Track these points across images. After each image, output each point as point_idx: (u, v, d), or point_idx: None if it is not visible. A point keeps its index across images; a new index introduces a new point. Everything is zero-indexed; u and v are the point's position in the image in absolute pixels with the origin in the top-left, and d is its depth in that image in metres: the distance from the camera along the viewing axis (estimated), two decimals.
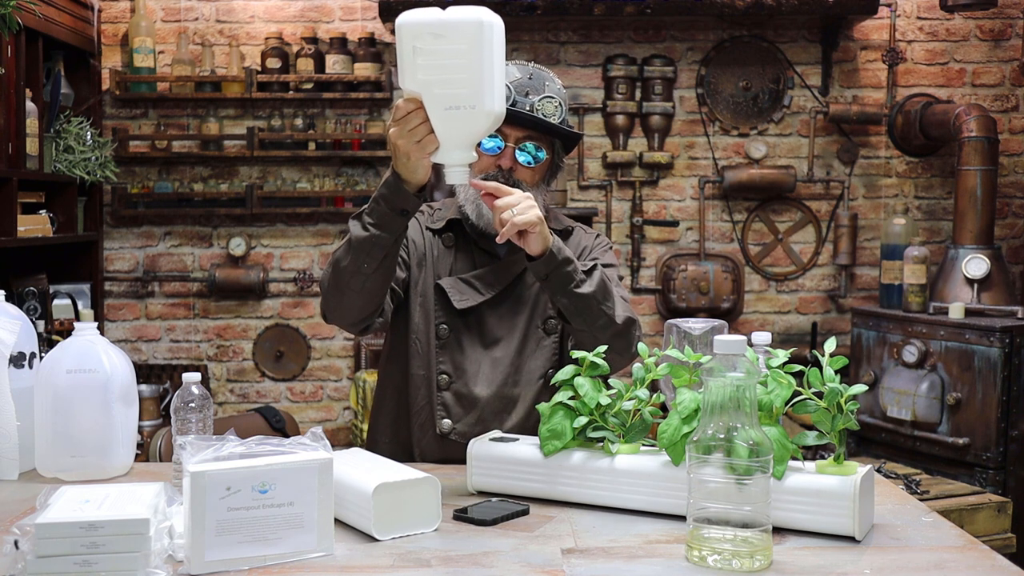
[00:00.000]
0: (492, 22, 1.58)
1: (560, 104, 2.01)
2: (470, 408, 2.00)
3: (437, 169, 1.74)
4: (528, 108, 1.98)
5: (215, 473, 1.30)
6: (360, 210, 1.80)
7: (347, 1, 4.23)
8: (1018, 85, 4.28)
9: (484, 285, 2.02)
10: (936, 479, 3.38)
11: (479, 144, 1.93)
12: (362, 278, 1.81)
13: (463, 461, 1.69)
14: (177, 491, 1.46)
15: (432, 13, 1.58)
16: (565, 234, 2.11)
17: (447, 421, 2.00)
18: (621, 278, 2.11)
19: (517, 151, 1.99)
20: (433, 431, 2.00)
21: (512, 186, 1.94)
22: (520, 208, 1.75)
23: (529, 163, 1.99)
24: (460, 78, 1.57)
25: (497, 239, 1.79)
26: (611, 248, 2.15)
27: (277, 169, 4.24)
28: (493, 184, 1.81)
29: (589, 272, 1.86)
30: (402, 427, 2.05)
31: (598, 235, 2.16)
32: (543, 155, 2.01)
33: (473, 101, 1.58)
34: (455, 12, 1.58)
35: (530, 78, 2.01)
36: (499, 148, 1.98)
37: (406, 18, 1.58)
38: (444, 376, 2.01)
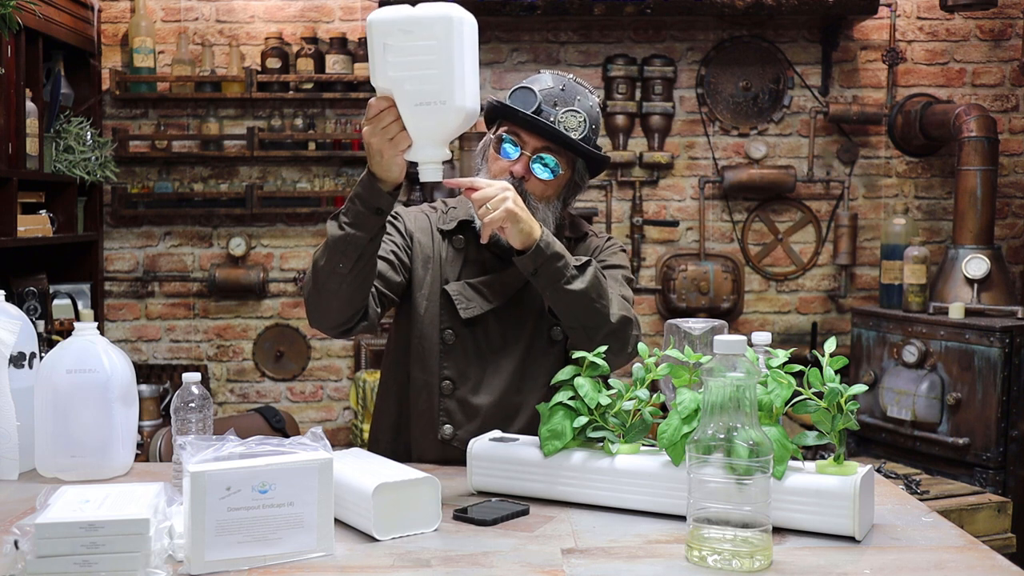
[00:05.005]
0: (462, 18, 1.57)
1: (585, 120, 1.93)
2: (473, 416, 1.97)
3: None
4: (551, 119, 1.91)
5: (215, 473, 1.30)
6: (338, 210, 1.78)
7: (347, 1, 4.23)
8: (1018, 85, 4.28)
9: (492, 293, 1.97)
10: (936, 479, 3.38)
11: (500, 147, 1.91)
12: (338, 278, 1.77)
13: (463, 464, 1.69)
14: (177, 491, 1.46)
15: (402, 10, 1.57)
16: (581, 239, 2.08)
17: (449, 427, 1.97)
18: (630, 280, 2.06)
19: (532, 161, 1.93)
20: (434, 436, 1.98)
21: (521, 196, 1.88)
22: (493, 203, 1.73)
23: (544, 176, 1.93)
24: (430, 74, 1.56)
25: (481, 240, 1.79)
26: (622, 250, 2.10)
27: (277, 169, 4.24)
28: (467, 180, 1.79)
29: (582, 268, 1.82)
30: (403, 430, 2.03)
31: (609, 238, 2.12)
32: (559, 171, 1.94)
33: (443, 96, 1.57)
34: (425, 8, 1.57)
35: (562, 89, 1.94)
36: (516, 155, 1.93)
37: (376, 16, 1.58)
38: (448, 383, 1.97)
